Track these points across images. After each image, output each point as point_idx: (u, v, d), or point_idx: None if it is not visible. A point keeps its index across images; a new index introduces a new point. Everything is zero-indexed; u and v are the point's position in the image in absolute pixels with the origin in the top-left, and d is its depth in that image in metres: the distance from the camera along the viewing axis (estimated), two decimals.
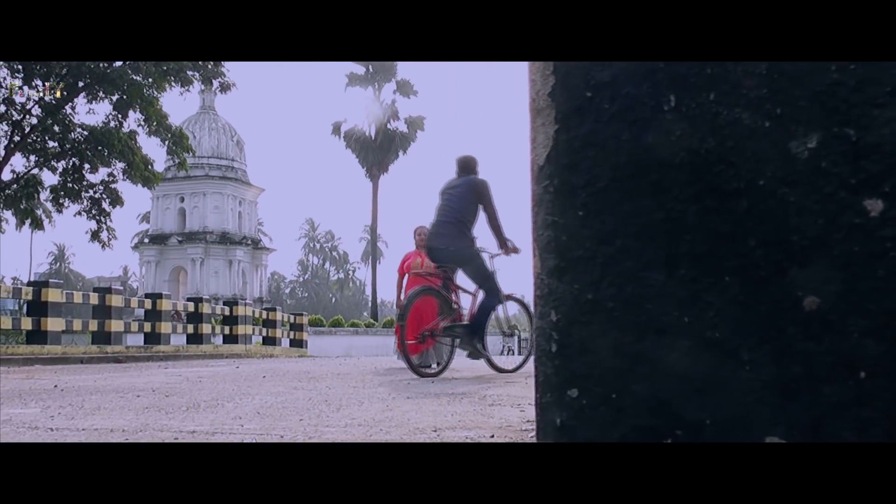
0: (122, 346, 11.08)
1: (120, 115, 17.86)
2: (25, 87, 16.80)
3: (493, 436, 2.19)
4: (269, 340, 16.02)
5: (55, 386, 4.56)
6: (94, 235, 18.79)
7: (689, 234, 1.08)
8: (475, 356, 5.51)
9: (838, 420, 0.98)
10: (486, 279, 5.36)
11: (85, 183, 18.45)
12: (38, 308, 9.81)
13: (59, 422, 2.66)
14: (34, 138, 17.63)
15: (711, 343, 1.05)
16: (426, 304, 5.81)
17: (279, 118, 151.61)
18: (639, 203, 1.11)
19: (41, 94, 16.66)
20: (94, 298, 11.10)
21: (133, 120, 18.12)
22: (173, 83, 18.00)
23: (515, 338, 14.83)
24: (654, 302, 1.09)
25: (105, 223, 18.83)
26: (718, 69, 1.07)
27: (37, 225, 19.36)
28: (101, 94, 17.47)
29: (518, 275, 13.26)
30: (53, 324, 9.79)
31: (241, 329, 14.44)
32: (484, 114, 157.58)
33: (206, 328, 13.62)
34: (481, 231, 5.29)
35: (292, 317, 18.09)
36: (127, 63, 16.89)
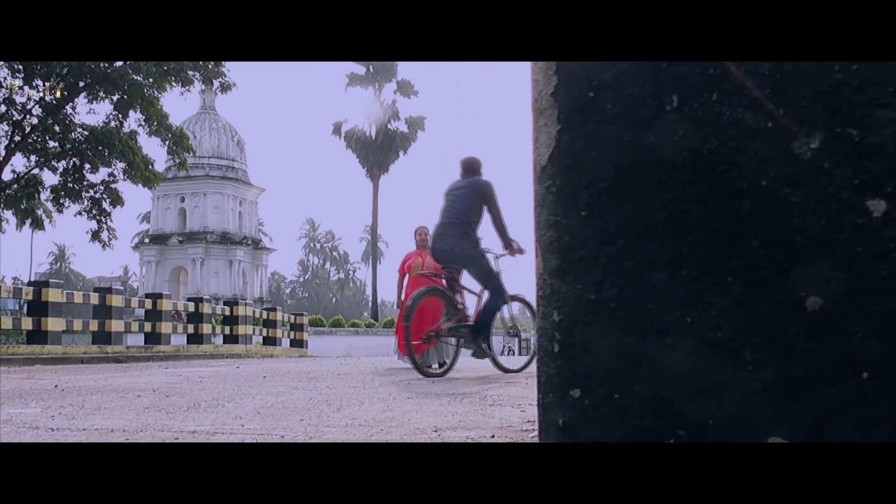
0: (123, 346, 11.09)
1: (120, 115, 17.87)
2: (26, 87, 16.82)
3: (493, 436, 2.19)
4: (270, 340, 16.03)
5: (56, 386, 4.56)
6: (95, 235, 18.80)
7: (692, 235, 1.08)
8: (480, 356, 5.54)
9: (841, 420, 0.98)
10: (490, 280, 5.37)
11: (85, 183, 18.47)
12: (38, 308, 9.82)
13: (59, 422, 2.66)
14: (35, 138, 17.64)
15: (714, 343, 1.05)
16: (431, 305, 5.82)
17: (279, 118, 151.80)
18: (641, 203, 1.11)
19: (42, 94, 16.68)
20: (94, 298, 11.11)
21: (133, 120, 18.17)
22: (174, 83, 18.02)
23: (516, 338, 14.81)
24: (656, 302, 1.09)
25: (105, 223, 18.85)
26: (721, 69, 1.07)
27: (37, 225, 19.38)
28: (101, 93, 17.49)
29: (524, 275, 13.23)
30: (54, 324, 9.81)
31: (241, 329, 14.46)
32: (485, 114, 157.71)
33: (206, 328, 13.64)
34: (486, 232, 5.32)
35: (293, 317, 18.10)
36: (127, 63, 16.91)
